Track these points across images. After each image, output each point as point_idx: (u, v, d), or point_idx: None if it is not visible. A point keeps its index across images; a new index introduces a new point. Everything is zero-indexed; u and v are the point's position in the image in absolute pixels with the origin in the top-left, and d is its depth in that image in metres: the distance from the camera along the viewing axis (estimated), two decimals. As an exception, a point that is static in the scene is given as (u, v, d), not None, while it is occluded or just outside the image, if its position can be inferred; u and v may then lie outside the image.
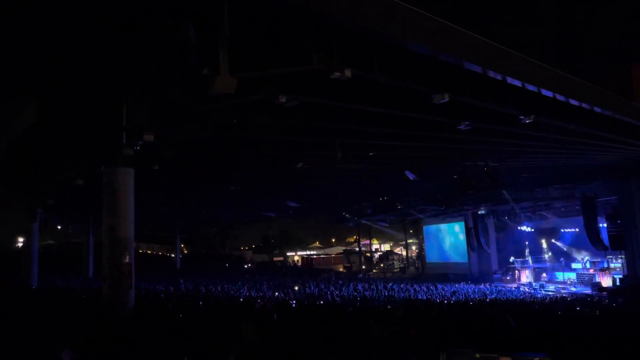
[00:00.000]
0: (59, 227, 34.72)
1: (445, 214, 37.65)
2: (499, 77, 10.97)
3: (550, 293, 28.56)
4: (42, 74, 9.68)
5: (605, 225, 28.52)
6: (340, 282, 31.14)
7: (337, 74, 7.94)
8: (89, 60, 8.92)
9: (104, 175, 11.80)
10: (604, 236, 28.54)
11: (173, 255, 46.28)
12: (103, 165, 11.88)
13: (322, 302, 17.24)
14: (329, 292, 22.84)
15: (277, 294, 22.93)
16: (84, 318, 7.63)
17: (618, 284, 27.58)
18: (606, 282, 29.06)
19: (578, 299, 23.76)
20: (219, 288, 23.51)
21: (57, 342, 2.33)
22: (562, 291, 29.36)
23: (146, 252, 57.70)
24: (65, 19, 7.50)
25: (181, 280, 26.28)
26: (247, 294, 21.84)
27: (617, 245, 27.68)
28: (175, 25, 7.36)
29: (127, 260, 11.11)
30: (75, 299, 14.58)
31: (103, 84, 9.88)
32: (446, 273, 39.85)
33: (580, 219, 29.61)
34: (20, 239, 43.15)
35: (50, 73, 9.60)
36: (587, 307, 17.99)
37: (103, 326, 6.11)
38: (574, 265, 33.63)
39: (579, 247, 34.54)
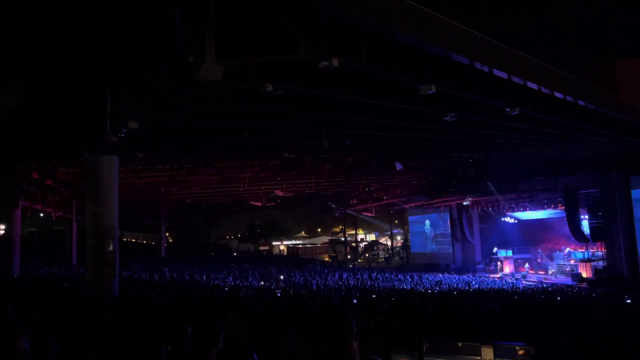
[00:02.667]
0: (42, 215, 34.27)
1: (431, 205, 37.93)
2: (485, 69, 11.03)
3: (532, 283, 29.03)
4: (24, 58, 9.49)
5: (586, 217, 29.00)
6: (326, 271, 31.28)
7: (325, 63, 7.90)
8: (72, 46, 8.76)
9: (88, 162, 11.68)
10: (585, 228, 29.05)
11: (158, 244, 45.98)
12: (87, 152, 11.75)
13: (305, 292, 17.29)
14: (314, 282, 22.94)
15: (262, 283, 22.98)
16: (66, 306, 7.57)
17: (598, 274, 28.14)
18: (587, 272, 29.62)
19: (559, 289, 24.19)
20: (204, 277, 23.47)
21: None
22: (544, 281, 29.89)
23: (130, 241, 57.31)
24: (49, 4, 7.35)
25: (166, 269, 26.17)
26: (233, 283, 21.85)
27: (597, 236, 28.18)
28: (161, 11, 7.25)
29: (110, 248, 11.03)
30: (58, 286, 14.45)
31: (87, 70, 9.72)
32: (430, 263, 40.27)
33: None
34: (2, 226, 42.54)
35: (32, 58, 9.42)
36: (568, 297, 18.33)
37: (86, 314, 6.07)
38: (555, 256, 34.17)
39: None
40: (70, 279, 18.16)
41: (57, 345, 3.49)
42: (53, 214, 28.35)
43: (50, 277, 18.90)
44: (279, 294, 14.62)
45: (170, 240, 57.65)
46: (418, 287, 23.19)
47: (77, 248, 30.74)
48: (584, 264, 30.47)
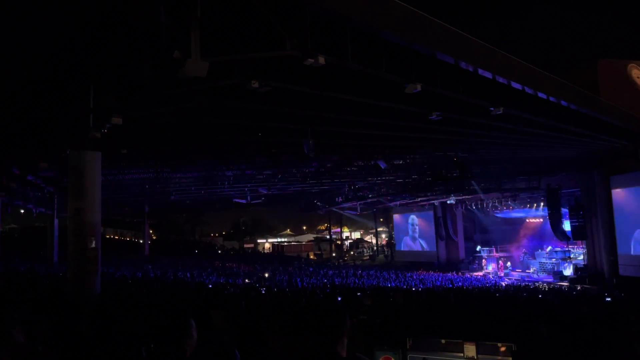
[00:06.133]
0: (22, 211, 33.74)
1: (415, 203, 38.16)
2: (470, 69, 11.12)
3: (514, 281, 29.39)
4: (5, 53, 9.31)
5: (568, 216, 29.41)
6: (311, 269, 31.30)
7: (311, 60, 7.87)
8: (55, 39, 8.63)
9: (70, 158, 11.52)
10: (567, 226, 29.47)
11: (141, 241, 45.62)
12: (69, 148, 11.59)
13: (290, 289, 17.28)
14: (298, 279, 22.94)
15: (247, 280, 22.91)
16: (46, 303, 7.47)
17: (579, 272, 28.59)
18: (567, 270, 30.08)
19: (540, 287, 24.52)
20: (188, 275, 23.32)
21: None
22: (526, 279, 30.29)
23: (113, 238, 56.76)
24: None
25: (149, 267, 25.96)
26: (216, 280, 21.75)
27: (578, 235, 28.61)
28: (146, 5, 7.17)
29: (93, 245, 10.90)
30: (38, 283, 14.24)
31: (70, 64, 9.57)
32: (415, 261, 40.52)
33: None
34: (-19, 223, 41.69)
35: (14, 52, 9.25)
36: (549, 295, 18.59)
37: (66, 311, 5.99)
38: (537, 255, 34.64)
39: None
40: (51, 276, 17.91)
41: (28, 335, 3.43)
42: (34, 210, 27.93)
43: (32, 275, 18.62)
44: (263, 292, 14.60)
45: (154, 238, 57.20)
46: (402, 285, 23.31)
47: (58, 245, 30.34)
48: (565, 262, 30.95)
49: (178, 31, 6.84)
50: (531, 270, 33.01)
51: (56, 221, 30.62)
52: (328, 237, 61.94)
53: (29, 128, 13.57)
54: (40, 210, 28.87)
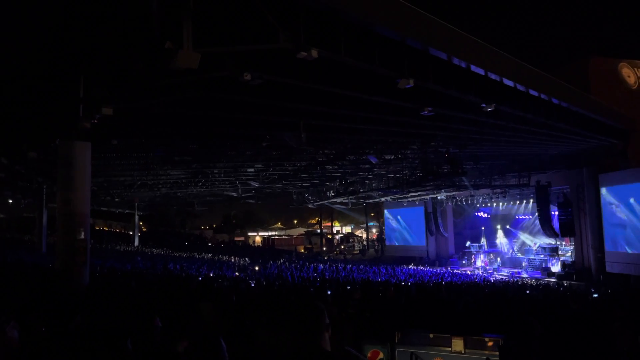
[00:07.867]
0: (10, 201, 33.41)
1: (406, 198, 38.27)
2: (463, 65, 11.14)
3: (503, 277, 29.63)
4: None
5: (556, 212, 29.66)
6: (301, 262, 31.34)
7: (304, 53, 7.85)
8: (45, 28, 8.53)
9: (60, 148, 11.42)
10: (555, 223, 29.72)
11: (131, 233, 45.42)
12: (59, 138, 11.49)
13: (279, 282, 17.30)
14: (288, 273, 22.97)
15: (237, 274, 22.91)
16: (33, 294, 7.42)
17: (567, 269, 28.88)
18: (556, 267, 30.37)
19: (528, 283, 24.75)
20: (177, 267, 23.27)
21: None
22: (515, 275, 30.56)
23: (103, 229, 56.44)
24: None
25: (138, 258, 25.85)
26: (206, 273, 21.72)
27: (567, 231, 28.86)
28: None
29: (82, 236, 10.84)
30: (26, 274, 14.13)
31: (60, 54, 9.46)
32: (405, 256, 40.74)
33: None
34: (-31, 213, 41.29)
35: (2, 41, 9.13)
36: (536, 290, 18.78)
37: (53, 302, 5.96)
38: (526, 251, 34.90)
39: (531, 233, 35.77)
40: (39, 267, 17.78)
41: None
42: (22, 200, 27.68)
43: (19, 265, 18.47)
44: (253, 285, 14.61)
45: (144, 230, 56.95)
46: (392, 279, 23.42)
47: (47, 236, 30.13)
48: (553, 258, 31.24)
49: (170, 22, 6.78)
50: (521, 266, 33.29)
51: (45, 211, 30.38)
52: (319, 231, 62.05)
53: (18, 117, 13.41)
54: (29, 200, 28.62)
